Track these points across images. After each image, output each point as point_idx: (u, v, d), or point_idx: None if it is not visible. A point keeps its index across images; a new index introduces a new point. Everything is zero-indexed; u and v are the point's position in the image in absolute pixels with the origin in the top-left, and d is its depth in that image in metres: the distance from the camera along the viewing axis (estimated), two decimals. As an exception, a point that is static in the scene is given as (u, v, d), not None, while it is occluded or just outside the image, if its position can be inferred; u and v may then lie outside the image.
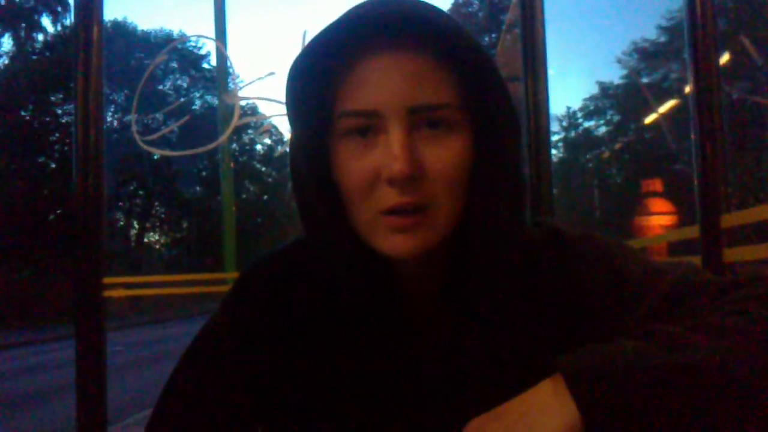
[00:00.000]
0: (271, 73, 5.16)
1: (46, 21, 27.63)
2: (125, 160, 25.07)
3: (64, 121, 25.85)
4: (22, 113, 26.02)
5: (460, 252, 0.78)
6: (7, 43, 29.06)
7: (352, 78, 0.74)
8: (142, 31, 30.62)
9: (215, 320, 0.87)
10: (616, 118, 19.76)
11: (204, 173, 30.63)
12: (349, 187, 0.74)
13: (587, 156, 21.27)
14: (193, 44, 29.59)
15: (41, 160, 26.20)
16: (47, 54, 26.85)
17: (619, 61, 16.85)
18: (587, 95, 20.45)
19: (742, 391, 0.63)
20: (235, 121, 5.03)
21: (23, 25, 26.96)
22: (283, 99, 0.79)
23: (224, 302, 0.88)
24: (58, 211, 24.76)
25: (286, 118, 0.80)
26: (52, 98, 26.44)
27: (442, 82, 0.73)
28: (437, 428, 0.78)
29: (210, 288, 4.76)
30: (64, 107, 25.82)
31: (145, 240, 32.84)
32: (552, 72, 3.26)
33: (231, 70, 5.58)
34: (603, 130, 20.80)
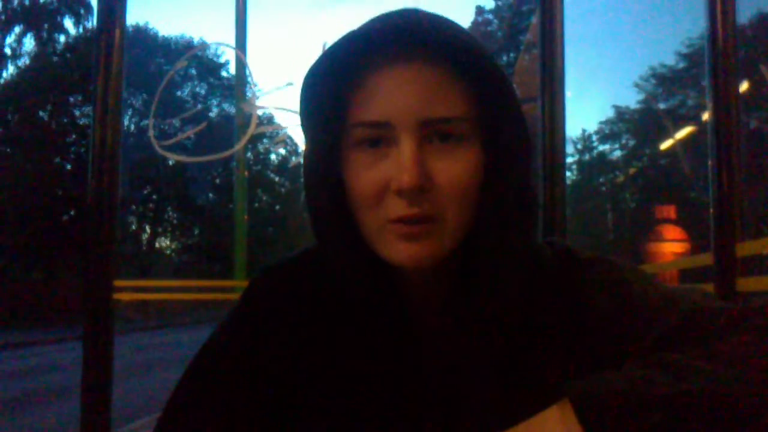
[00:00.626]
0: (290, 83, 5.19)
1: (68, 23, 27.97)
2: (140, 165, 25.20)
3: (81, 123, 26.06)
4: (40, 113, 26.24)
5: (467, 266, 0.77)
6: (29, 43, 29.41)
7: (365, 89, 0.74)
8: (163, 37, 30.90)
9: (224, 327, 0.87)
10: (632, 142, 19.73)
11: (218, 181, 30.73)
12: (358, 196, 0.75)
13: (601, 179, 21.22)
14: (212, 52, 29.84)
15: (57, 161, 26.39)
16: (68, 55, 27.10)
17: (636, 85, 16.85)
18: (603, 118, 20.47)
19: (751, 422, 0.62)
20: (251, 130, 5.05)
21: (45, 26, 27.25)
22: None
23: (233, 309, 0.88)
24: (72, 213, 24.91)
25: (300, 129, 0.81)
26: (71, 100, 26.66)
27: (454, 95, 0.73)
28: None
29: (218, 295, 4.75)
30: (83, 109, 26.05)
31: (156, 245, 32.99)
32: (569, 94, 3.25)
33: (249, 79, 5.60)
34: (618, 154, 20.77)
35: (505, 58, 24.80)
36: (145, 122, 25.82)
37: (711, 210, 2.20)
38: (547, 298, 0.80)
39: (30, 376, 10.84)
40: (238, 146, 5.70)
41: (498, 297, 0.77)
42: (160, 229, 32.63)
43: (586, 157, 21.79)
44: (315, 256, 0.87)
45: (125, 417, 5.96)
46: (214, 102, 31.52)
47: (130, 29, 24.92)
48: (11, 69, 27.08)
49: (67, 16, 27.63)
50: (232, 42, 6.05)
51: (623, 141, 20.41)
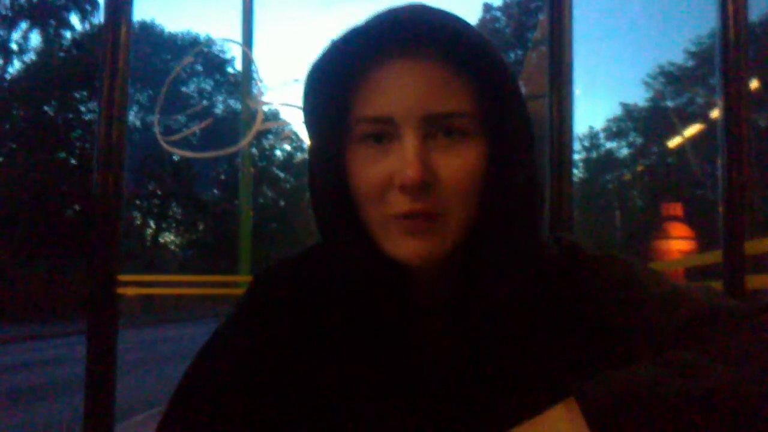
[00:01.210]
0: (296, 80, 5.17)
1: (74, 19, 28.06)
2: (145, 160, 25.28)
3: (87, 118, 26.13)
4: (46, 109, 26.32)
5: (472, 265, 0.77)
6: (35, 39, 29.50)
7: (369, 84, 0.74)
8: (169, 33, 31.04)
9: (228, 323, 0.87)
10: (639, 140, 19.70)
11: (222, 176, 30.84)
12: (362, 191, 0.74)
13: (608, 177, 21.21)
14: (218, 48, 29.89)
15: (62, 156, 26.48)
16: (74, 51, 27.18)
17: (644, 83, 16.82)
18: (611, 116, 20.45)
19: (760, 421, 0.60)
20: (257, 126, 5.04)
21: (52, 22, 27.33)
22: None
23: (238, 304, 0.88)
24: (76, 208, 25.00)
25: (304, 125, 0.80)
26: (77, 95, 26.75)
27: (458, 90, 0.73)
28: None
29: (223, 290, 4.75)
30: (88, 104, 26.13)
31: (161, 240, 33.11)
32: (578, 92, 3.24)
33: (255, 75, 5.59)
34: (625, 152, 20.75)
35: (512, 55, 24.79)
36: (150, 118, 25.81)
37: (720, 208, 2.19)
38: (552, 295, 0.80)
39: (35, 370, 10.90)
40: (244, 142, 5.69)
41: (502, 294, 0.76)
42: (164, 225, 32.75)
43: (594, 154, 21.79)
44: (319, 253, 0.87)
45: (129, 410, 5.98)
46: (220, 98, 31.66)
47: (136, 25, 24.96)
48: (17, 65, 27.25)
49: (73, 12, 27.76)
50: (239, 38, 6.04)
51: (631, 139, 20.40)
